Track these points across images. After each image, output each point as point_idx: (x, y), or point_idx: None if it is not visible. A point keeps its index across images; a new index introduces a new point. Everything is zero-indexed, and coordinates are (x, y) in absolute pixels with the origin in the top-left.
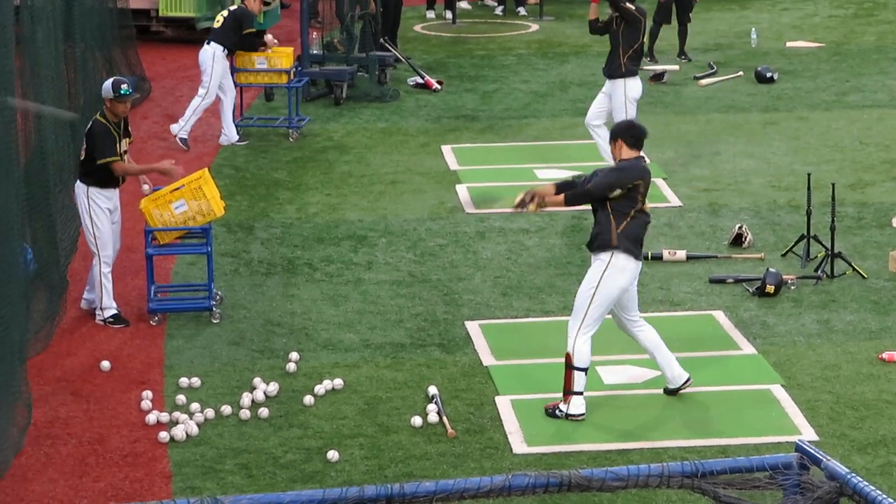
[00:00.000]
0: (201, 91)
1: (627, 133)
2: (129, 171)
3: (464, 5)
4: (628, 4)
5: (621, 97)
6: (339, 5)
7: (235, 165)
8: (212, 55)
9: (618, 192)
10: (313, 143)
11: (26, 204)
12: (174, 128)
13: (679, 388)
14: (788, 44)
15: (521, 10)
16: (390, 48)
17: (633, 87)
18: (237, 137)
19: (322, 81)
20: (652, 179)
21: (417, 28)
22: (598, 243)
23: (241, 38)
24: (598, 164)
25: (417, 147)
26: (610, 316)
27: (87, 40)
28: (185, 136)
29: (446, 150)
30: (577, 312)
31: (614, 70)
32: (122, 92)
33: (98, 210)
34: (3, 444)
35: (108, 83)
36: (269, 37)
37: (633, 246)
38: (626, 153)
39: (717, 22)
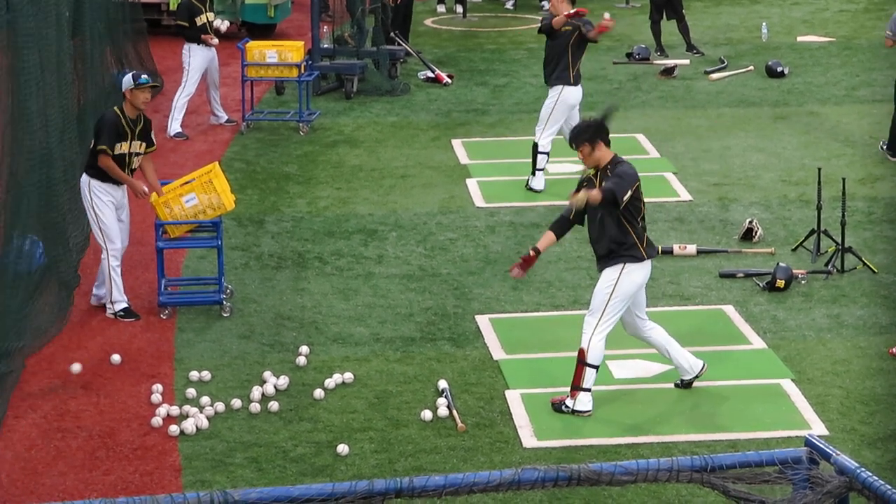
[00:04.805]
0: (182, 86)
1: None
2: (111, 169)
3: None
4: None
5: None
6: None
7: (246, 159)
8: (186, 49)
9: (629, 195)
10: (324, 136)
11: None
12: (168, 131)
13: (697, 376)
14: (799, 38)
15: (545, 4)
16: (401, 42)
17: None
18: (178, 130)
19: (332, 75)
20: (663, 174)
21: (428, 22)
22: (617, 252)
23: (179, 28)
24: None
25: (428, 141)
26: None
27: (95, 35)
28: (180, 130)
29: (456, 144)
30: (595, 310)
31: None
32: (142, 80)
33: (100, 202)
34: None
35: (128, 75)
36: (217, 22)
37: (653, 247)
38: (608, 153)
39: (728, 16)
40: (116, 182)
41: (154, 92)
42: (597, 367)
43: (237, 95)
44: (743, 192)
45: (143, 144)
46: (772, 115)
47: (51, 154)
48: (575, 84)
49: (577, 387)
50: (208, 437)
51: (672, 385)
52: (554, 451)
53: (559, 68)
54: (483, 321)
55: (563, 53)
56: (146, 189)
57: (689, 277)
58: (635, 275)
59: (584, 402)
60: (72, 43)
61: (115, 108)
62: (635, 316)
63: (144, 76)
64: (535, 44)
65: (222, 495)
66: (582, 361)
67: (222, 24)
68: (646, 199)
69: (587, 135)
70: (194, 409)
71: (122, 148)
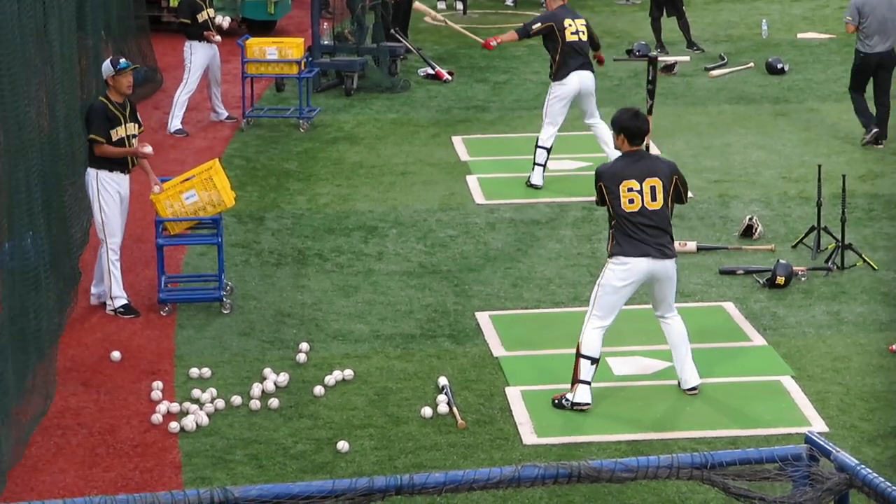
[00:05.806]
0: (183, 82)
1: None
2: (107, 152)
3: None
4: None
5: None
6: None
7: (246, 156)
8: (188, 46)
9: (597, 194)
10: (324, 133)
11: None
12: (169, 128)
13: (683, 388)
14: (799, 35)
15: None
16: (401, 39)
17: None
18: (178, 127)
19: (333, 72)
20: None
21: (428, 19)
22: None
23: (182, 25)
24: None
25: (428, 138)
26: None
27: (100, 30)
28: (180, 126)
29: (457, 140)
30: (589, 303)
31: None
32: (121, 65)
33: (107, 195)
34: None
35: (107, 62)
36: (219, 18)
37: (622, 247)
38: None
39: (728, 13)
40: (123, 170)
41: (136, 74)
42: (591, 360)
43: (237, 92)
44: (743, 189)
45: (136, 126)
46: (772, 112)
47: (56, 147)
48: (559, 79)
49: (575, 379)
50: (208, 434)
51: (672, 382)
52: (554, 448)
53: (552, 65)
54: (483, 318)
55: (550, 52)
56: (149, 149)
57: (689, 274)
58: (616, 269)
59: (582, 393)
60: (76, 37)
61: (101, 97)
62: (656, 312)
63: (123, 60)
64: (534, 41)
65: (222, 492)
66: (577, 353)
67: (224, 21)
68: None
69: (616, 126)
70: (194, 406)
71: (119, 132)
